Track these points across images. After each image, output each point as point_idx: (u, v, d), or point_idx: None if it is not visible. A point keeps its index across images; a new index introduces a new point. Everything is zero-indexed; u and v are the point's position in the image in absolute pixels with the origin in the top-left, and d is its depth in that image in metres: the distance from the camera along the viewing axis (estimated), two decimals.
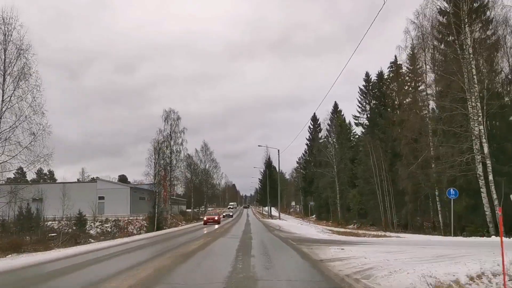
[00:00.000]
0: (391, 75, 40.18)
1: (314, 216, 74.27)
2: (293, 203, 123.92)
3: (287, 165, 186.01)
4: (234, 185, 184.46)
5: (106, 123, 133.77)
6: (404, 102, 35.87)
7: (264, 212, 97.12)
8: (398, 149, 34.87)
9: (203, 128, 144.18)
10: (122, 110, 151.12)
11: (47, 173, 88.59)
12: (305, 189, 72.22)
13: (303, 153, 76.99)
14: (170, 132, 50.91)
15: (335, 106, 62.06)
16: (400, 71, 36.89)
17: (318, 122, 72.37)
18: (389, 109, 39.91)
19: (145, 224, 44.60)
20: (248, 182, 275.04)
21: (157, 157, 45.64)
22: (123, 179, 79.21)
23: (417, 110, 32.13)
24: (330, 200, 56.33)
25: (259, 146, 48.78)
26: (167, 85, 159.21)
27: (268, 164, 72.27)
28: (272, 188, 70.43)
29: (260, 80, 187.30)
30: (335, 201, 51.69)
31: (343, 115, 58.88)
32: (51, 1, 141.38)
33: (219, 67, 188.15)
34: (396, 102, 38.35)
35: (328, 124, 59.99)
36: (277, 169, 45.72)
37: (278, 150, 45.77)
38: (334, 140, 52.57)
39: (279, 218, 47.51)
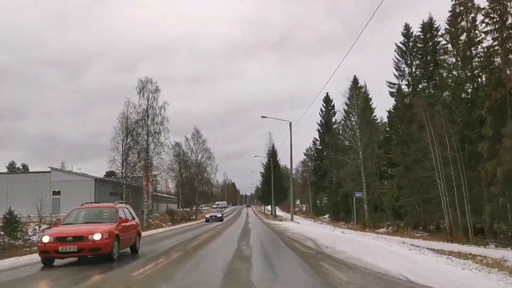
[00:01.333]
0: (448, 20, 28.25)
1: (327, 216, 62.61)
2: (297, 202, 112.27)
3: (295, 154, 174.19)
4: (233, 183, 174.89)
5: (106, 122, 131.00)
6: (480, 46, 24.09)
7: (266, 212, 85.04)
8: (473, 114, 23.13)
9: (203, 128, 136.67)
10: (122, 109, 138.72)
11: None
12: (317, 184, 60.41)
13: (313, 142, 65.10)
14: (147, 107, 39.31)
15: (355, 81, 50.11)
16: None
17: (332, 104, 60.73)
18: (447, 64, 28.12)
19: None
20: (248, 182, 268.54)
21: (125, 137, 33.97)
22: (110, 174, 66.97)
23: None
24: (352, 195, 44.67)
25: (262, 117, 34.08)
26: (167, 85, 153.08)
27: (272, 154, 60.53)
28: (277, 183, 58.63)
29: (261, 80, 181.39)
30: (361, 197, 39.94)
31: (364, 91, 46.92)
32: (51, 1, 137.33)
33: (220, 67, 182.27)
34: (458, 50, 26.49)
35: (346, 104, 48.29)
36: (290, 150, 33.34)
37: (290, 123, 33.54)
38: (357, 119, 40.76)
39: (292, 220, 35.07)
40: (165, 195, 71.94)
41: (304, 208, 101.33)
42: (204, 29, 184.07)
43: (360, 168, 39.65)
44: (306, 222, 40.81)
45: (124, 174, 34.21)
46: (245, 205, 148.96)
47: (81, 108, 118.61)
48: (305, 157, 76.15)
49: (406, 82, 34.02)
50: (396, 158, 33.46)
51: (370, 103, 44.07)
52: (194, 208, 62.85)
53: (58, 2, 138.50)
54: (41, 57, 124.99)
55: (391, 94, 35.31)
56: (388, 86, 35.15)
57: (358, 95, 44.93)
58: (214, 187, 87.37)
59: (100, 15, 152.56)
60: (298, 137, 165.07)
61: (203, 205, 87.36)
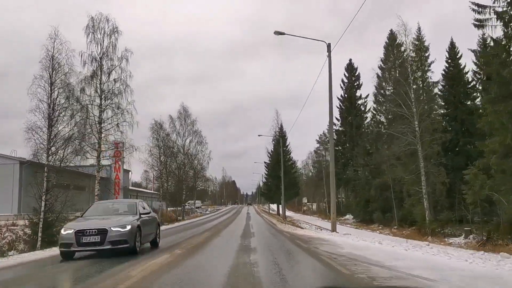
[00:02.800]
0: None
1: (349, 216, 49.63)
2: (304, 200, 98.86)
3: (297, 154, 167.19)
4: (234, 181, 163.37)
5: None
6: None
7: (271, 211, 71.72)
8: None
9: (203, 127, 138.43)
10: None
11: None
12: (337, 176, 47.20)
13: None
14: (100, 56, 26.26)
15: (391, 36, 37.12)
16: None
17: (357, 73, 47.61)
18: None
19: (27, 235, 20.20)
20: (249, 182, 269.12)
21: (51, 88, 20.56)
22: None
23: None
24: (397, 188, 31.65)
25: (275, 33, 19.34)
26: (167, 84, 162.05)
27: (281, 134, 47.29)
28: (287, 175, 45.55)
29: (261, 79, 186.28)
30: (418, 189, 26.84)
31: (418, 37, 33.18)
32: (51, 1, 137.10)
33: (220, 66, 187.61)
34: None
35: (381, 61, 35.34)
36: (329, 81, 18.96)
37: (329, 45, 19.67)
38: (409, 72, 27.64)
39: (335, 230, 18.74)
40: (147, 191, 59.07)
41: (313, 207, 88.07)
42: (204, 29, 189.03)
43: (416, 145, 26.58)
44: (356, 232, 27.16)
45: (49, 152, 20.91)
46: (246, 204, 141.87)
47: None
48: (317, 145, 63.05)
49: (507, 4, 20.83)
50: (492, 125, 20.40)
51: (427, 53, 30.88)
52: (184, 206, 49.83)
53: (58, 2, 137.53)
54: (41, 57, 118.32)
55: (477, 25, 22.06)
56: (475, 10, 21.90)
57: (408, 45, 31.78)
58: (207, 181, 74.07)
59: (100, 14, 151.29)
60: (297, 138, 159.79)
61: (195, 204, 74.65)
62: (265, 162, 54.71)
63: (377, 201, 36.79)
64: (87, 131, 25.51)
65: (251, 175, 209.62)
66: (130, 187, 53.34)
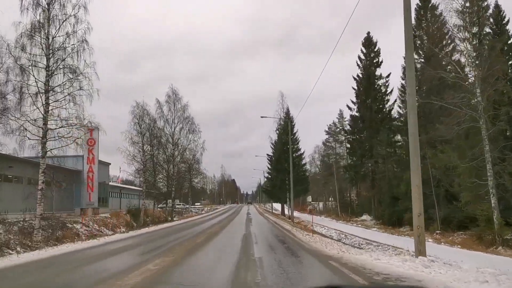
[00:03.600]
0: None
1: (366, 217, 42.62)
2: (309, 198, 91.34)
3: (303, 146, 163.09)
4: (233, 180, 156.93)
5: (106, 121, 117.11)
6: None
7: (274, 211, 64.77)
8: None
9: (204, 126, 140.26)
10: (123, 108, 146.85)
11: None
12: (354, 169, 40.10)
13: (346, 109, 44.68)
14: (48, 1, 19.17)
15: None
16: None
17: (376, 49, 40.37)
18: None
19: None
20: (249, 181, 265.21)
21: None
22: None
23: None
24: (443, 181, 24.47)
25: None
26: (168, 83, 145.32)
27: (288, 119, 39.86)
28: (296, 167, 38.36)
29: (262, 78, 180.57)
30: (480, 181, 19.65)
31: None
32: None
33: (221, 65, 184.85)
34: None
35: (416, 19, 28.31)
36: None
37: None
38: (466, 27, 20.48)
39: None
40: (133, 188, 51.86)
41: (320, 206, 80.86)
42: (206, 27, 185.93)
43: (479, 120, 19.44)
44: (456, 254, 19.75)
45: None
46: (247, 203, 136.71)
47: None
48: (327, 136, 55.85)
49: None
50: None
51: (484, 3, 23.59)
52: (174, 205, 42.72)
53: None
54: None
55: None
56: None
57: None
58: (203, 177, 66.86)
59: (100, 14, 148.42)
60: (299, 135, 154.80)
61: (189, 203, 67.88)
62: (267, 155, 47.60)
63: (409, 199, 29.58)
64: (27, 103, 18.45)
65: (251, 175, 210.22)
66: (112, 183, 46.16)
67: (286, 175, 36.96)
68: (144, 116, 36.25)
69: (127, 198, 45.65)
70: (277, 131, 44.72)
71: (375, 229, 33.62)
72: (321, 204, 79.75)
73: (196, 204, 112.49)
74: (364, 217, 44.69)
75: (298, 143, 39.03)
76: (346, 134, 45.32)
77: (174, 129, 41.24)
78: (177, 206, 66.56)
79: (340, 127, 52.29)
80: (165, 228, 27.69)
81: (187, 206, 64.34)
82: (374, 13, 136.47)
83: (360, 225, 36.99)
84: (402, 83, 32.41)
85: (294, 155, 37.97)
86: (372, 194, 38.25)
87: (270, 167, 48.33)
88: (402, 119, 32.81)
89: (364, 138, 39.79)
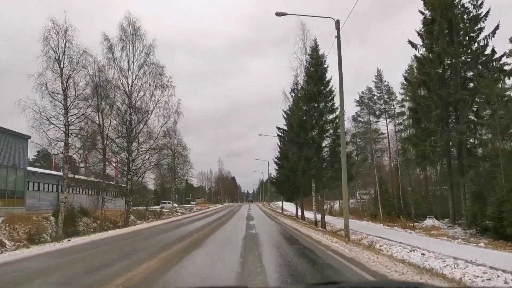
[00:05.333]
0: None
1: (432, 221, 27.13)
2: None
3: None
4: (233, 178, 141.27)
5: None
6: None
7: (286, 212, 48.96)
8: None
9: (205, 126, 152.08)
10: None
11: None
12: (424, 141, 24.35)
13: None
14: None
15: None
16: None
17: None
18: None
19: None
20: (250, 181, 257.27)
21: None
22: None
23: None
24: None
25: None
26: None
27: (315, 53, 24.20)
28: (330, 141, 22.71)
29: (264, 76, 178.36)
30: None
31: None
32: None
33: (222, 64, 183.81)
34: None
35: None
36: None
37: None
38: None
39: None
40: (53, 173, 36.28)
41: (335, 206, 64.89)
42: (207, 26, 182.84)
43: None
44: None
45: None
46: (247, 201, 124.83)
47: None
48: (358, 109, 40.11)
49: None
50: None
51: None
52: (130, 203, 27.05)
53: None
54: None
55: None
56: None
57: None
58: (189, 167, 51.07)
59: (100, 12, 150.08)
60: None
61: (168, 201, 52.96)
62: (278, 130, 31.85)
63: None
64: None
65: (252, 174, 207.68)
66: (34, 169, 30.57)
67: (313, 151, 21.41)
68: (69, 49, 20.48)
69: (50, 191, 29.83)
70: (293, 93, 29.10)
71: (482, 245, 18.10)
72: (337, 204, 63.50)
73: (192, 203, 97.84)
74: (430, 221, 29.11)
75: (332, 99, 23.11)
76: (406, 88, 29.58)
77: (132, 82, 25.70)
78: (162, 205, 51.70)
79: (379, 93, 36.76)
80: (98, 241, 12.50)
81: (172, 204, 48.88)
82: None
83: (441, 237, 21.52)
84: None
85: (328, 117, 22.32)
86: (462, 182, 22.52)
87: (280, 151, 32.99)
88: None
89: (443, 91, 23.97)
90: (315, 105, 21.84)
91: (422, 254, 13.39)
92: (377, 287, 2.51)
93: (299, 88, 28.67)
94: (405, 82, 30.78)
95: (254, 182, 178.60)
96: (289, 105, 30.74)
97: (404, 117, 35.60)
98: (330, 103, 22.74)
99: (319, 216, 25.28)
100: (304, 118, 21.94)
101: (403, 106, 35.84)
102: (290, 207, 52.26)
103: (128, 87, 25.04)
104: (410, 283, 4.32)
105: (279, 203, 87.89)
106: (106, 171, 26.39)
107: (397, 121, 36.55)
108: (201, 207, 66.06)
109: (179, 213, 48.23)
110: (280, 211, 49.42)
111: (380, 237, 19.37)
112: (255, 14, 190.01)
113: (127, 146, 24.49)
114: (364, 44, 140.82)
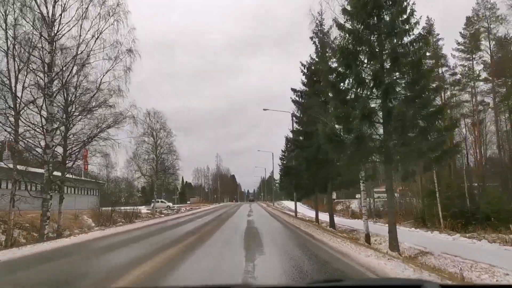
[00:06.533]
0: None
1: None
2: (333, 195, 65.39)
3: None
4: (233, 176, 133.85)
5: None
6: None
7: (301, 215, 38.63)
8: None
9: (205, 125, 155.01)
10: None
11: None
12: None
13: None
14: None
15: None
16: None
17: None
18: None
19: None
20: (250, 180, 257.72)
21: None
22: None
23: None
24: None
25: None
26: (169, 81, 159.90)
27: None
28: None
29: (265, 76, 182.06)
30: None
31: None
32: None
33: (222, 63, 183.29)
34: None
35: None
36: None
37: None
38: None
39: None
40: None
41: (353, 205, 55.10)
42: (207, 25, 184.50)
43: None
44: None
45: None
46: (248, 200, 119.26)
47: None
48: None
49: None
50: None
51: None
52: (47, 199, 17.50)
53: None
54: None
55: None
56: None
57: None
58: (175, 158, 42.17)
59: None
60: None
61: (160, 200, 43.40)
62: (294, 93, 22.30)
63: None
64: None
65: (253, 173, 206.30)
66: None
67: (382, 97, 11.77)
68: None
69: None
70: (316, 37, 19.65)
71: None
72: (355, 203, 53.66)
73: (188, 202, 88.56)
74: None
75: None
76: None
77: (55, 2, 16.02)
78: (153, 204, 42.23)
79: None
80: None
81: (153, 204, 39.12)
82: None
83: None
84: None
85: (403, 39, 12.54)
86: None
87: (298, 124, 23.71)
88: None
89: None
90: (381, 15, 12.06)
91: None
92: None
93: (324, 31, 19.31)
94: None
95: (255, 181, 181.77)
96: (310, 57, 21.14)
97: None
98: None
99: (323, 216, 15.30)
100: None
101: None
102: (300, 207, 42.36)
103: (47, 8, 15.40)
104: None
105: (284, 202, 76.74)
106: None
107: None
108: (191, 207, 56.59)
109: (162, 215, 38.88)
110: (292, 213, 39.26)
111: (473, 261, 10.44)
112: (256, 14, 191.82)
113: (45, 107, 14.89)
114: None
